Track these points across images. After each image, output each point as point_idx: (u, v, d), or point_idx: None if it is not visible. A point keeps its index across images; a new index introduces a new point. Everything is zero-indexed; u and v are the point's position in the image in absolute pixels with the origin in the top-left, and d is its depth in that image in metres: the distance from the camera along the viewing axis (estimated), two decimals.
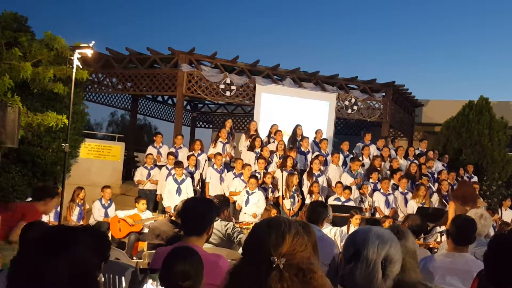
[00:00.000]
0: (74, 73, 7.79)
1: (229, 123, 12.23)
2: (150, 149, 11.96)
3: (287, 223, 1.69)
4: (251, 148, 11.51)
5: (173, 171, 10.29)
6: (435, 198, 10.94)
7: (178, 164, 10.24)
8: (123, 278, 3.97)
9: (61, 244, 1.57)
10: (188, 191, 10.14)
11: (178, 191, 9.98)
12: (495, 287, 2.41)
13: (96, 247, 1.66)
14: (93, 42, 7.75)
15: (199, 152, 11.35)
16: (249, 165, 10.65)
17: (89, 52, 7.79)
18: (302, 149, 11.73)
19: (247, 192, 9.83)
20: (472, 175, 13.06)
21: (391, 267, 1.76)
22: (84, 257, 1.60)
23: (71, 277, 1.57)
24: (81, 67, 8.01)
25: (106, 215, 9.70)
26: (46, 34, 8.35)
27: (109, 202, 9.84)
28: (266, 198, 10.10)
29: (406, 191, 10.97)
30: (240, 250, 5.22)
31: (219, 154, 10.94)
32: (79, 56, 7.75)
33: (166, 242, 4.78)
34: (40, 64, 8.21)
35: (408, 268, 2.39)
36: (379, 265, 1.73)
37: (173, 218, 4.95)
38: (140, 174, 11.23)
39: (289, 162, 10.57)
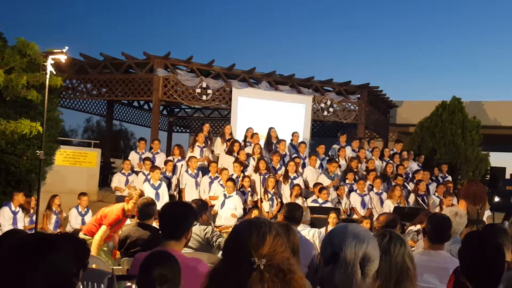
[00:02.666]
0: (47, 80, 7.68)
1: (206, 128, 12.21)
2: (132, 155, 11.86)
3: (267, 224, 1.71)
4: (229, 152, 11.51)
5: (149, 176, 10.23)
6: (411, 198, 11.11)
7: (154, 168, 10.18)
8: (102, 285, 3.93)
9: (39, 252, 1.56)
10: (164, 196, 10.08)
11: (156, 196, 9.91)
12: (470, 283, 2.47)
13: (75, 255, 1.65)
14: (67, 47, 7.66)
15: (179, 158, 11.29)
16: (226, 169, 10.66)
17: (62, 58, 7.69)
18: (280, 152, 11.78)
19: (225, 195, 9.83)
20: (446, 174, 13.29)
21: (369, 266, 1.78)
22: (62, 265, 1.59)
23: (49, 285, 1.56)
24: (54, 73, 7.90)
25: (83, 222, 9.57)
26: (19, 40, 8.23)
27: (86, 209, 9.73)
28: (245, 201, 10.12)
29: (381, 191, 11.10)
30: (220, 254, 5.23)
31: (193, 157, 10.90)
32: (53, 62, 7.64)
33: (138, 246, 4.73)
34: (13, 71, 8.08)
35: (411, 276, 2.39)
36: (357, 265, 1.75)
37: (138, 221, 4.91)
38: (117, 180, 11.13)
39: (262, 165, 10.59)
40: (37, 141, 9.68)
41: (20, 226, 8.72)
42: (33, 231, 8.38)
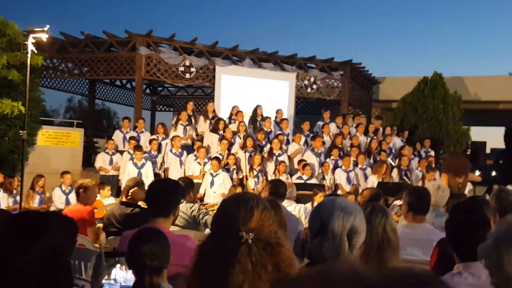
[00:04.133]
0: (29, 59, 7.56)
1: (190, 106, 12.16)
2: (117, 134, 11.78)
3: (255, 199, 1.74)
4: (214, 130, 11.51)
5: (134, 155, 10.20)
6: (395, 173, 11.26)
7: (138, 148, 10.14)
8: (88, 263, 3.95)
9: (35, 230, 1.57)
10: (148, 175, 10.06)
11: (139, 175, 9.88)
12: (456, 252, 2.55)
13: (66, 233, 1.66)
14: (48, 26, 7.53)
15: (163, 136, 11.26)
16: (204, 147, 10.68)
17: (43, 37, 7.57)
18: (265, 129, 11.81)
19: (211, 174, 9.86)
20: (429, 149, 13.47)
21: (356, 238, 1.82)
22: (58, 242, 1.60)
23: (44, 262, 1.57)
24: (36, 52, 7.78)
25: (68, 202, 9.52)
26: None
27: (69, 188, 9.64)
28: (231, 179, 10.16)
29: (365, 166, 11.23)
30: (207, 231, 5.28)
31: (177, 136, 10.88)
32: (34, 41, 7.52)
33: (120, 224, 4.74)
34: None
35: (393, 247, 2.47)
36: (345, 238, 1.79)
37: (123, 199, 4.92)
38: (101, 160, 11.07)
39: (249, 142, 10.64)
40: (18, 121, 9.56)
41: (3, 206, 8.66)
42: (17, 211, 8.35)
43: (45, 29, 7.52)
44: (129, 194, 4.83)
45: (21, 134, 7.81)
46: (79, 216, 4.57)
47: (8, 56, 7.99)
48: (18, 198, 8.80)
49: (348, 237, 1.78)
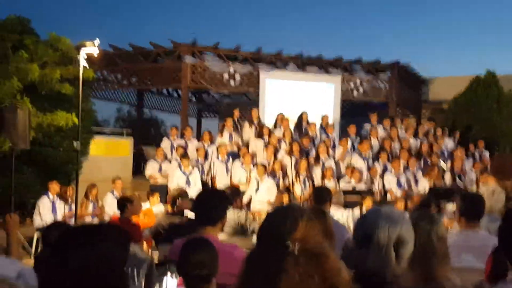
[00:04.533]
0: (81, 73, 7.86)
1: (236, 112, 12.26)
2: (165, 142, 12.01)
3: (299, 210, 1.73)
4: (259, 136, 11.54)
5: (181, 163, 10.35)
6: (447, 176, 10.92)
7: (185, 156, 10.30)
8: (141, 271, 4.04)
9: (90, 238, 1.61)
10: (196, 183, 10.18)
11: (187, 182, 10.03)
12: (509, 259, 2.43)
13: (120, 242, 1.70)
14: (98, 40, 7.79)
15: (209, 143, 11.39)
16: (249, 153, 10.72)
17: (94, 51, 7.84)
18: (310, 134, 11.74)
19: (257, 180, 9.87)
20: (483, 150, 13.00)
21: (404, 249, 1.76)
22: (112, 250, 1.64)
23: (99, 270, 1.60)
24: (87, 66, 8.06)
25: None
26: (51, 35, 8.41)
27: (121, 194, 9.89)
28: (277, 185, 10.15)
29: (416, 170, 10.94)
30: (254, 239, 5.28)
31: (222, 144, 10.97)
32: (85, 56, 7.81)
33: (169, 233, 4.82)
34: (47, 66, 8.27)
35: (440, 255, 2.38)
36: (391, 249, 1.73)
37: (169, 210, 5.01)
38: (151, 167, 11.28)
39: (295, 148, 10.60)
40: (72, 132, 9.88)
41: (59, 214, 8.97)
42: (73, 220, 8.64)
43: (96, 43, 7.79)
44: (176, 205, 4.91)
45: (75, 144, 8.08)
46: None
47: (61, 70, 8.29)
48: (73, 206, 9.10)
49: (395, 248, 1.73)
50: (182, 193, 5.15)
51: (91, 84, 13.10)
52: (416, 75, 17.17)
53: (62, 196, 9.09)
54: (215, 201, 3.15)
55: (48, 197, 8.97)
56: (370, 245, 1.73)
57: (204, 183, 10.42)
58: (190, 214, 5.43)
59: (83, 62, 7.84)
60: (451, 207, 9.02)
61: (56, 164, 10.69)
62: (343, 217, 6.46)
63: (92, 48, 7.87)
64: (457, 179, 10.85)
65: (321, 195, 4.74)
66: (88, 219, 9.34)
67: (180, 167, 10.26)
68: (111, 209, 9.75)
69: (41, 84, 8.42)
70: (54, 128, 8.60)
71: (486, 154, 12.93)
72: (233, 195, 5.72)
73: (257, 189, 9.78)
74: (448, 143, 12.86)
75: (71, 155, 10.58)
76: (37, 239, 8.50)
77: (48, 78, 8.30)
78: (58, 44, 8.51)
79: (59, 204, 9.05)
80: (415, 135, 12.66)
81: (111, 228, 1.73)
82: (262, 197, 9.71)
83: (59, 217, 8.92)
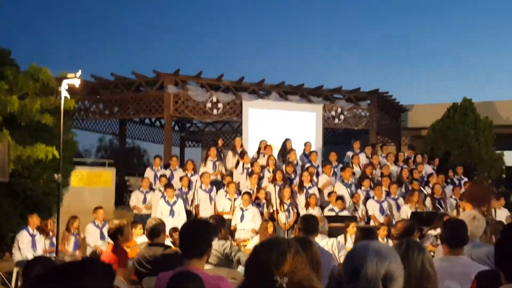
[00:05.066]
0: (62, 104, 7.82)
1: (220, 141, 12.30)
2: (148, 172, 11.93)
3: (286, 243, 1.75)
4: (241, 164, 11.57)
5: (165, 193, 10.29)
6: (428, 202, 11.04)
7: (169, 185, 10.26)
8: None
9: (74, 275, 1.60)
10: (180, 212, 10.12)
11: (171, 213, 9.97)
12: (504, 272, 2.48)
13: (105, 277, 1.70)
14: (80, 71, 7.80)
15: (192, 172, 11.36)
16: (234, 182, 10.72)
17: (76, 83, 7.83)
18: (292, 162, 11.79)
19: (241, 209, 9.86)
20: (462, 176, 13.19)
21: (393, 284, 1.75)
22: (98, 287, 1.63)
23: None
24: (68, 97, 8.03)
25: (102, 235, 9.57)
26: (31, 66, 8.37)
27: (103, 222, 9.73)
28: (261, 213, 10.14)
29: (397, 196, 11.06)
30: (239, 268, 5.25)
31: (205, 173, 10.96)
32: (67, 87, 7.80)
33: (153, 265, 4.75)
34: (27, 96, 8.21)
35: (433, 282, 2.42)
36: (379, 283, 1.73)
37: (149, 241, 4.94)
38: (136, 198, 11.19)
39: (279, 176, 10.64)
40: (52, 164, 9.76)
41: (39, 249, 8.80)
42: (54, 254, 8.46)
43: (77, 74, 7.79)
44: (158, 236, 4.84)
45: (56, 177, 7.99)
46: (115, 258, 4.64)
47: (41, 101, 8.23)
48: (54, 240, 8.94)
49: (384, 283, 1.73)
50: (159, 225, 5.07)
51: (72, 115, 13.04)
52: (395, 102, 17.47)
53: (43, 230, 8.92)
54: (201, 233, 3.13)
55: (28, 231, 8.80)
56: (358, 279, 1.74)
57: (188, 212, 10.37)
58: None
59: (64, 93, 7.81)
60: (432, 232, 9.11)
61: (36, 196, 10.53)
62: (328, 245, 6.45)
63: (74, 80, 7.86)
64: (437, 204, 10.98)
65: (309, 225, 4.73)
66: (69, 252, 9.17)
67: (164, 197, 10.21)
68: (92, 239, 9.61)
69: (21, 115, 8.36)
70: (34, 160, 8.50)
71: (466, 179, 13.13)
72: (218, 224, 5.68)
73: (241, 218, 9.76)
74: (428, 169, 13.04)
75: (52, 186, 10.43)
76: (17, 274, 8.31)
77: (28, 108, 8.24)
78: (39, 74, 8.46)
79: (39, 238, 8.89)
80: (395, 161, 12.82)
81: (94, 264, 1.73)
82: (247, 225, 9.70)
83: (39, 252, 8.74)
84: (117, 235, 4.80)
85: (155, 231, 4.82)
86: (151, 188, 11.36)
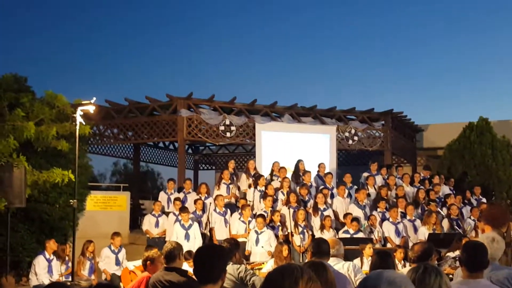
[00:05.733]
0: (77, 131, 7.93)
1: (231, 164, 12.29)
2: (162, 195, 11.97)
3: (299, 270, 1.73)
4: (255, 187, 11.54)
5: (180, 217, 10.27)
6: (445, 223, 10.89)
7: (184, 209, 10.24)
8: None
9: None
10: (196, 236, 10.10)
11: (186, 236, 9.95)
12: None
13: None
14: (94, 98, 7.91)
15: (206, 195, 11.36)
16: (249, 205, 10.68)
17: (91, 109, 7.95)
18: (306, 184, 11.72)
19: (256, 231, 9.80)
20: (480, 197, 13.01)
21: None
22: None
23: None
24: (83, 123, 8.14)
25: (117, 261, 9.62)
26: (47, 93, 8.51)
27: (119, 248, 9.79)
28: (276, 236, 10.07)
29: (414, 218, 10.93)
30: None
31: (220, 196, 10.94)
32: (82, 113, 7.91)
33: None
34: (43, 123, 8.33)
35: None
36: None
37: (165, 265, 4.92)
38: (148, 222, 11.20)
39: (293, 198, 10.59)
40: (68, 188, 9.86)
41: (55, 274, 8.82)
42: (70, 279, 8.47)
43: (92, 101, 7.90)
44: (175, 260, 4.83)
45: (71, 202, 8.05)
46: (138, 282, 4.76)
47: (57, 127, 8.34)
48: (70, 264, 8.96)
49: None
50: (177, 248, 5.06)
51: (87, 140, 13.18)
52: (410, 122, 17.38)
53: (59, 255, 8.96)
54: (215, 258, 3.12)
55: (44, 256, 8.85)
56: None
57: (203, 235, 10.34)
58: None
59: (79, 119, 7.92)
60: (450, 254, 8.96)
61: (52, 220, 10.59)
62: (344, 268, 6.36)
63: (89, 106, 7.98)
64: (455, 225, 10.81)
65: (320, 248, 4.70)
66: (85, 277, 9.18)
67: (179, 220, 10.19)
68: (107, 263, 9.62)
69: (37, 141, 8.46)
70: (50, 184, 8.58)
71: (484, 200, 12.95)
72: (232, 248, 5.65)
73: (257, 241, 9.70)
74: (445, 190, 12.89)
75: (67, 211, 10.51)
76: None
77: (44, 135, 8.35)
78: (55, 101, 8.59)
79: (56, 263, 8.92)
80: (411, 183, 12.70)
81: None
82: (262, 248, 9.63)
83: (56, 277, 8.78)
84: (147, 263, 4.88)
85: (171, 255, 4.81)
86: (163, 212, 11.37)
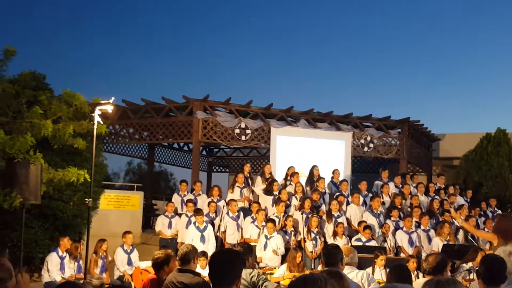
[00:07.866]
0: (95, 130, 7.98)
1: (247, 168, 12.26)
2: (175, 197, 11.98)
3: (323, 280, 1.71)
4: (267, 191, 11.50)
5: (193, 219, 10.26)
6: (460, 234, 10.76)
7: (198, 211, 10.21)
8: None
9: None
10: (210, 238, 10.10)
11: (202, 239, 9.93)
12: None
13: None
14: (113, 98, 7.95)
15: (218, 198, 11.35)
16: (263, 209, 10.64)
17: (109, 109, 7.99)
18: (319, 190, 11.67)
19: (266, 236, 9.77)
20: (496, 209, 12.84)
21: None
22: None
23: None
24: (101, 123, 8.19)
25: (129, 261, 9.68)
26: (65, 91, 8.55)
27: (131, 247, 9.84)
28: (288, 241, 10.02)
29: (428, 228, 10.81)
30: None
31: (233, 200, 10.91)
32: (100, 113, 7.96)
33: None
34: (60, 121, 8.37)
35: None
36: None
37: (179, 267, 4.90)
38: (161, 223, 11.22)
39: (307, 204, 10.53)
40: (83, 186, 9.92)
41: (67, 272, 8.87)
42: (82, 276, 8.51)
43: (111, 101, 7.94)
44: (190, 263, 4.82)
45: (86, 201, 8.09)
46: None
47: (74, 125, 8.38)
48: (81, 262, 9.01)
49: None
50: (192, 251, 5.05)
51: (103, 138, 13.25)
52: (426, 131, 17.23)
53: (72, 253, 9.01)
54: (231, 262, 3.11)
55: (57, 253, 8.91)
56: None
57: (215, 238, 10.33)
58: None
59: (97, 118, 7.98)
60: (464, 265, 8.84)
61: (66, 218, 10.66)
62: (357, 277, 6.30)
63: (107, 106, 8.03)
64: (470, 237, 10.67)
65: (332, 256, 4.63)
66: (97, 275, 9.23)
67: (193, 222, 10.17)
68: (121, 263, 9.67)
69: (54, 139, 8.51)
70: (65, 182, 8.63)
71: (499, 212, 12.77)
72: (245, 253, 5.62)
73: (265, 246, 9.67)
74: (460, 201, 12.74)
75: (82, 208, 10.58)
76: None
77: (61, 132, 8.39)
78: (72, 100, 8.63)
79: (68, 261, 8.97)
80: (426, 192, 12.58)
81: None
82: (270, 253, 9.60)
83: (67, 274, 8.83)
84: (163, 265, 4.84)
85: (186, 258, 4.81)
86: (176, 213, 11.37)
